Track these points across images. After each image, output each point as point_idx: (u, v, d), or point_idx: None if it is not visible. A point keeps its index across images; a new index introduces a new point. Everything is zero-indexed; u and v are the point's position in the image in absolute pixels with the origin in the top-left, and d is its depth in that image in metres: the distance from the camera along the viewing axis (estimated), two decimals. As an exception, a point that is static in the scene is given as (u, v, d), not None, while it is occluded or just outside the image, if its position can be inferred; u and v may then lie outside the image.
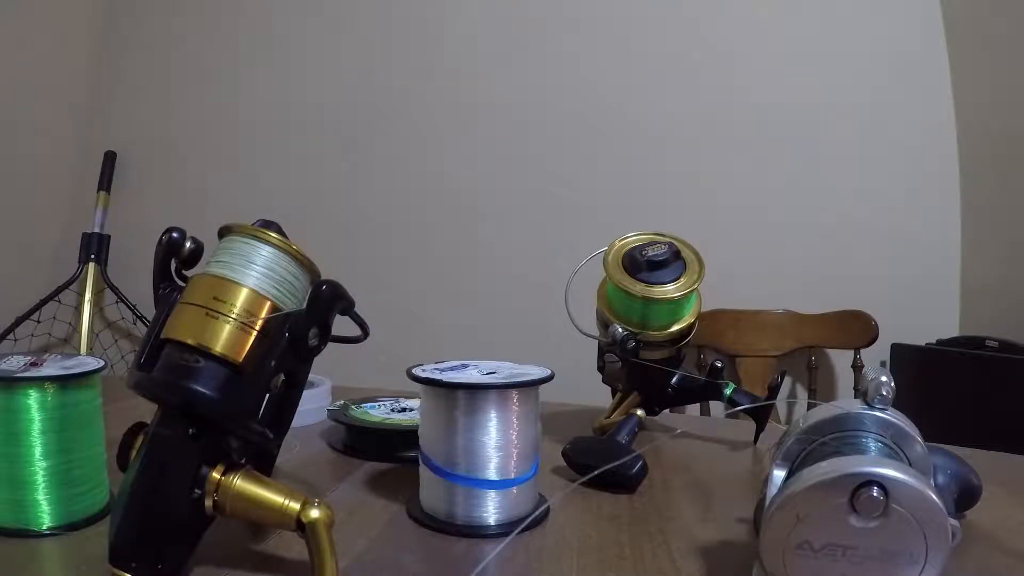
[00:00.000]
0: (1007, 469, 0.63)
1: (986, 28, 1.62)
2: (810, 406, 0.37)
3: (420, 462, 0.45)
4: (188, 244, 0.38)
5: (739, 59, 1.73)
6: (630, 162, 1.77)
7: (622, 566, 0.40)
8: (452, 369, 0.47)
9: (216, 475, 0.34)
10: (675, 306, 0.62)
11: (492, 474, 0.43)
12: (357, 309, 0.39)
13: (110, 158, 1.95)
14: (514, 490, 0.44)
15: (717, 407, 0.73)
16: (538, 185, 1.80)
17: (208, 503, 0.34)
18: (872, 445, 0.35)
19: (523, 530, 0.42)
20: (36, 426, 0.39)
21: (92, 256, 1.86)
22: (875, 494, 0.30)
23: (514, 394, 0.43)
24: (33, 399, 0.39)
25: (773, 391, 0.64)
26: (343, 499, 0.49)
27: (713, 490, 0.57)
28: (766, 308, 1.68)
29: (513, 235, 1.78)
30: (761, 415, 0.67)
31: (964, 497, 0.46)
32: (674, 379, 0.67)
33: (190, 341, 0.34)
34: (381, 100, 1.83)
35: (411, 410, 0.64)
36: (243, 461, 0.36)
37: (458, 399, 0.43)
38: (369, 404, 0.66)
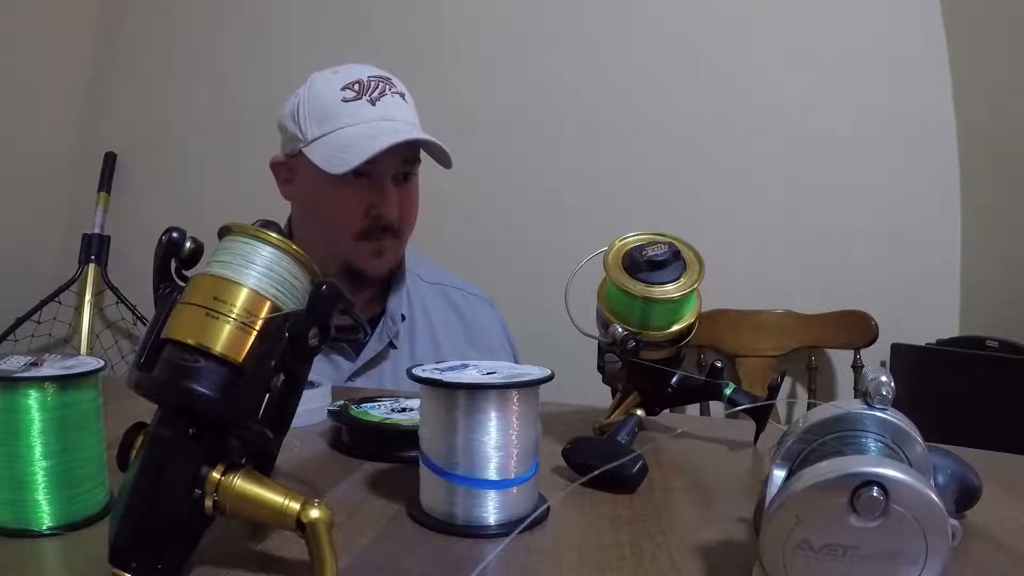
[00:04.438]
0: (1007, 469, 0.63)
1: (986, 28, 1.62)
2: (810, 406, 0.37)
3: (420, 462, 0.45)
4: (188, 244, 0.38)
5: (739, 58, 1.73)
6: (630, 162, 1.77)
7: (622, 566, 0.40)
8: (452, 369, 0.47)
9: (216, 475, 0.34)
10: (675, 306, 0.62)
11: (492, 474, 0.43)
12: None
13: (110, 159, 1.95)
14: (514, 490, 0.44)
15: (717, 407, 0.73)
16: (538, 185, 1.80)
17: (208, 503, 0.34)
18: (872, 445, 0.35)
19: (523, 530, 0.42)
20: (36, 426, 0.39)
21: (92, 257, 1.86)
22: (875, 494, 0.30)
23: (514, 394, 0.43)
24: (33, 399, 0.39)
25: (773, 391, 0.64)
26: (343, 499, 0.49)
27: (713, 490, 0.57)
28: (766, 308, 1.68)
29: (513, 235, 1.78)
30: (761, 415, 0.67)
31: (964, 497, 0.46)
32: (674, 379, 0.67)
33: (190, 341, 0.34)
34: (381, 100, 1.83)
35: (411, 410, 0.64)
36: (243, 461, 0.36)
37: (458, 399, 0.43)
38: (369, 404, 0.66)
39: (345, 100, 0.92)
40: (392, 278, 1.05)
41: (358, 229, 0.95)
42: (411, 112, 0.97)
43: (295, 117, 0.95)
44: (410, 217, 1.00)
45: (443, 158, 0.97)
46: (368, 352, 0.99)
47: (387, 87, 0.96)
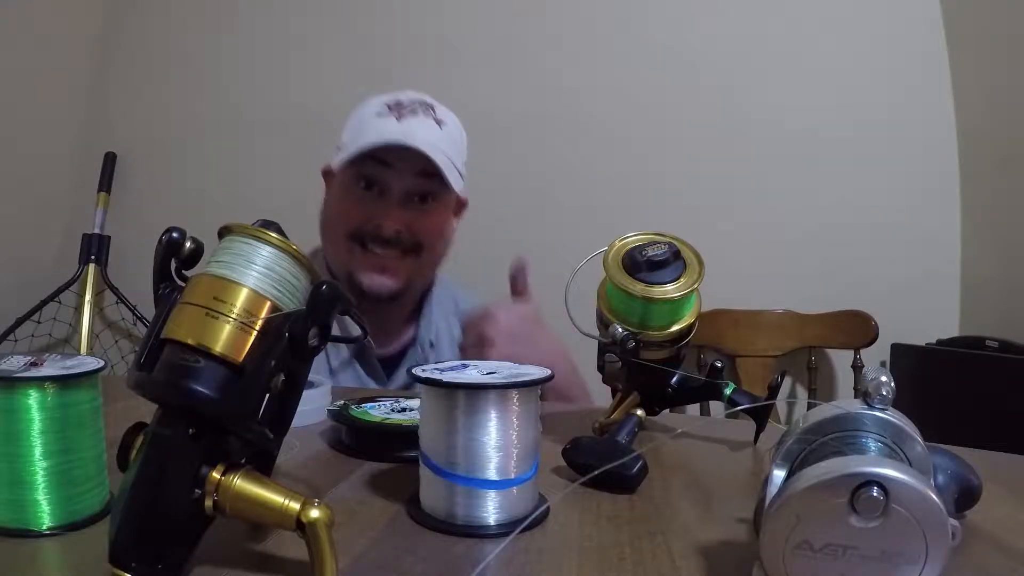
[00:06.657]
0: (1007, 469, 0.63)
1: (986, 28, 1.63)
2: (810, 406, 0.37)
3: (420, 462, 0.46)
4: (188, 244, 0.38)
5: (739, 59, 1.73)
6: (630, 162, 1.77)
7: (622, 566, 0.40)
8: (452, 369, 0.47)
9: (216, 475, 0.34)
10: (675, 306, 0.62)
11: (492, 474, 0.43)
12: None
13: (110, 159, 1.95)
14: (514, 490, 0.44)
15: (717, 407, 0.73)
16: (538, 185, 1.80)
17: (208, 503, 0.34)
18: (872, 445, 0.35)
19: (523, 530, 0.42)
20: (36, 426, 0.39)
21: (92, 257, 1.86)
22: (875, 494, 0.30)
23: (514, 394, 0.43)
24: (33, 399, 0.39)
25: (773, 391, 0.64)
26: (343, 499, 0.49)
27: (713, 490, 0.57)
28: (766, 308, 1.68)
29: (513, 235, 1.78)
30: (761, 415, 0.67)
31: (964, 497, 0.46)
32: (674, 379, 0.67)
33: (190, 341, 0.34)
34: (381, 100, 1.83)
35: (411, 410, 0.64)
36: (243, 461, 0.36)
37: (458, 399, 0.43)
38: (369, 404, 0.66)
39: (378, 115, 0.94)
40: (422, 305, 1.07)
41: (352, 228, 0.95)
42: (439, 135, 0.93)
43: (344, 131, 0.98)
44: (421, 237, 0.97)
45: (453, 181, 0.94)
46: (399, 379, 1.01)
47: (424, 111, 0.95)
